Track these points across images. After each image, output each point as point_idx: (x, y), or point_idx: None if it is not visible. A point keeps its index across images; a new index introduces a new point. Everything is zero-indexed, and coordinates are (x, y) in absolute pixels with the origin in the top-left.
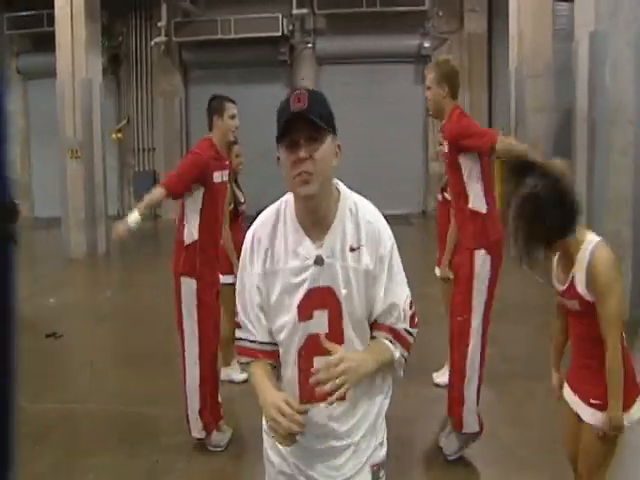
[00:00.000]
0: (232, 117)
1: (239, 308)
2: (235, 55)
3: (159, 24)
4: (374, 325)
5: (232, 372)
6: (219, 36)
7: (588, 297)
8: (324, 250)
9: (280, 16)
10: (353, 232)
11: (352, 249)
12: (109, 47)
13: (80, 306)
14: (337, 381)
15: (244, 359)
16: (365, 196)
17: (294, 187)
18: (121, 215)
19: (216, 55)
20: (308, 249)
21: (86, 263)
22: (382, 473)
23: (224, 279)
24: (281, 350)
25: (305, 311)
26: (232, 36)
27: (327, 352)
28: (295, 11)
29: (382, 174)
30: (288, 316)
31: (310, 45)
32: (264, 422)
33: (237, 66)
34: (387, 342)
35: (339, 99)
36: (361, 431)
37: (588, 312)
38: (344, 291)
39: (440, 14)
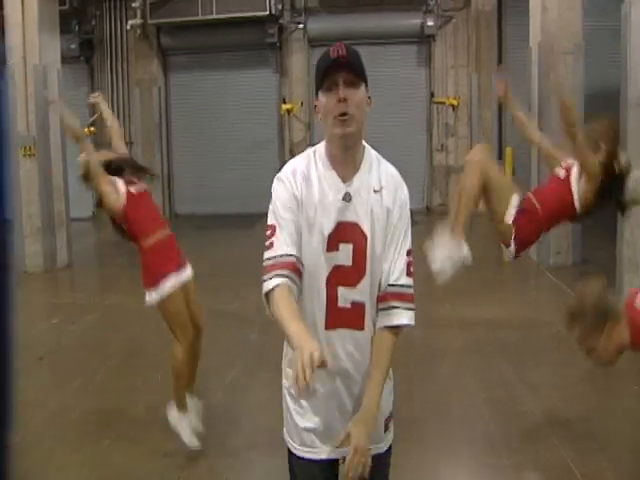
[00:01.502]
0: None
1: (275, 224)
2: (218, 38)
3: (133, 4)
4: (380, 296)
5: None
6: (199, 17)
7: None
8: (352, 188)
9: None
10: (377, 177)
11: (375, 191)
12: (81, 32)
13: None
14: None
15: (270, 276)
16: None
17: (334, 127)
18: (97, 216)
19: (197, 39)
20: (338, 186)
21: (43, 278)
22: (391, 423)
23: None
24: (307, 277)
25: (333, 243)
26: (214, 16)
27: (351, 283)
28: None
29: None
30: (318, 245)
31: (301, 25)
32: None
33: (220, 50)
34: (390, 332)
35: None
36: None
37: None
38: (368, 228)
39: None
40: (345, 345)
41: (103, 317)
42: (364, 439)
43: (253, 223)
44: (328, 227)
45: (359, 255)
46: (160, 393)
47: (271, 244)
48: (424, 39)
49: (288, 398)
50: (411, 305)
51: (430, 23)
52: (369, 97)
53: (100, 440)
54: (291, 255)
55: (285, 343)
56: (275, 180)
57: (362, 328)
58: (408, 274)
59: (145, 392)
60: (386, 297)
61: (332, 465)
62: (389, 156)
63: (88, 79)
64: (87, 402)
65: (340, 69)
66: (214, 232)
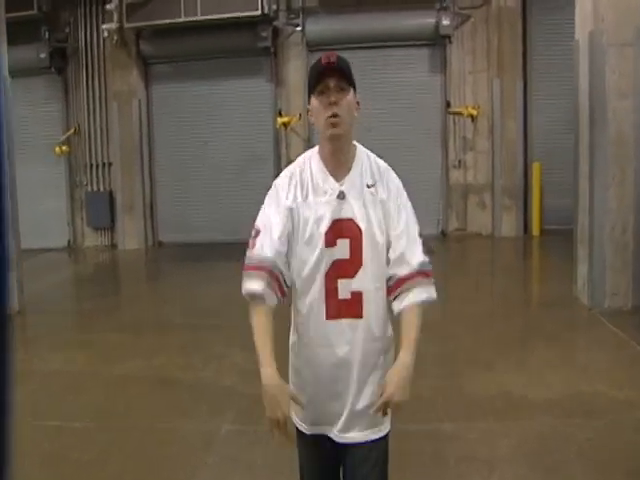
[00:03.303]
0: None
1: (260, 227)
2: (204, 43)
3: (108, 6)
4: (399, 279)
5: None
6: (182, 19)
7: None
8: (345, 187)
9: None
10: (369, 172)
11: (368, 186)
12: (52, 40)
13: None
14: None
15: (249, 275)
16: None
17: (325, 128)
18: (73, 247)
19: (181, 45)
20: (332, 185)
21: None
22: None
23: None
24: (307, 273)
25: (330, 239)
26: (198, 17)
27: (349, 274)
28: None
29: None
30: (317, 243)
31: (298, 28)
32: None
33: (207, 57)
34: (413, 312)
35: None
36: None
37: None
38: (363, 223)
39: None
40: (344, 334)
41: (38, 390)
42: (396, 392)
43: (244, 252)
44: (325, 225)
45: (356, 248)
46: None
47: (253, 244)
48: (438, 41)
49: (291, 372)
50: (431, 280)
51: (445, 22)
52: (357, 102)
53: None
54: (269, 259)
55: (293, 325)
56: (272, 186)
57: (361, 316)
58: (425, 252)
59: None
60: (413, 278)
61: (330, 441)
62: (398, 174)
63: (61, 92)
64: None
65: (331, 75)
66: (198, 264)
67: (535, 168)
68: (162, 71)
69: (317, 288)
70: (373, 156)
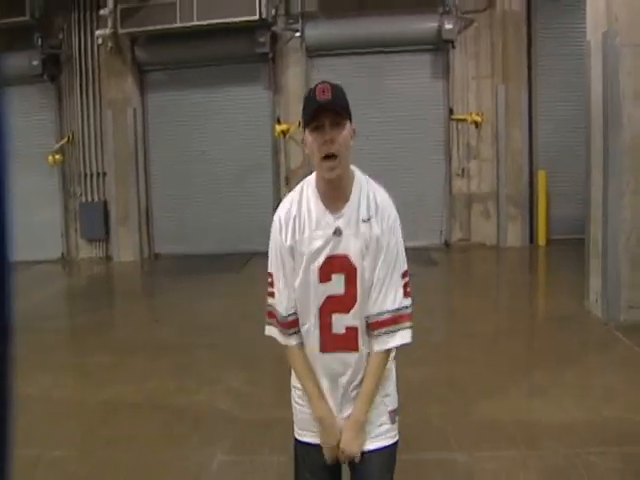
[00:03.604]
0: None
1: (274, 278)
2: (201, 50)
3: (102, 12)
4: (373, 323)
5: None
6: (178, 24)
7: None
8: (342, 222)
9: None
10: (365, 206)
11: (364, 220)
12: (45, 46)
13: None
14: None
15: (270, 323)
16: None
17: (321, 170)
18: (66, 258)
19: (177, 51)
20: (329, 221)
21: None
22: (396, 417)
23: None
24: (300, 306)
25: (325, 274)
26: (194, 23)
27: (344, 310)
28: None
29: (393, 195)
30: (311, 277)
31: (298, 33)
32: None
33: (204, 64)
34: (375, 362)
35: None
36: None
37: None
38: (358, 259)
39: None
40: (340, 365)
41: (20, 415)
42: (350, 443)
43: (243, 264)
44: (319, 261)
45: (350, 284)
46: None
47: (272, 294)
48: (441, 46)
49: (293, 393)
50: (407, 324)
51: (448, 27)
52: (353, 130)
53: None
54: (291, 314)
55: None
56: (274, 220)
57: (356, 350)
58: (405, 295)
59: None
60: (383, 323)
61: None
62: (400, 183)
63: (55, 100)
64: None
65: (326, 112)
66: (195, 278)
67: (541, 176)
68: (158, 78)
69: (312, 321)
70: (372, 184)
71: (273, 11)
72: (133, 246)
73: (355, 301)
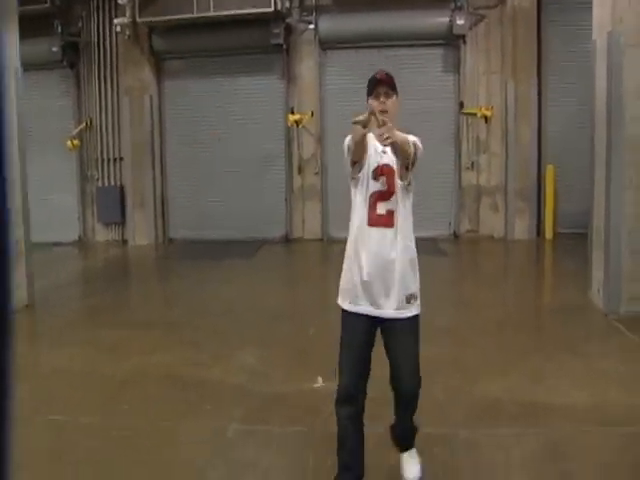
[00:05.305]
0: None
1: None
2: (216, 40)
3: (120, 1)
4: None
5: None
6: (195, 15)
7: None
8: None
9: None
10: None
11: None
12: (65, 33)
13: None
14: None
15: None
16: None
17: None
18: (83, 241)
19: (193, 41)
20: (379, 145)
21: None
22: (414, 300)
23: None
24: (360, 194)
25: (376, 175)
26: (211, 14)
27: (386, 199)
28: None
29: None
30: (369, 175)
31: (311, 25)
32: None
33: (219, 54)
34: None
35: (347, 93)
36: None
37: None
38: (395, 166)
39: None
40: (380, 237)
41: (44, 386)
42: (391, 132)
43: (255, 251)
44: (373, 166)
45: (390, 182)
46: None
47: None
48: (452, 41)
49: (344, 264)
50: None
51: (460, 22)
52: (399, 101)
53: None
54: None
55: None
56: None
57: (392, 226)
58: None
59: None
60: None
61: (370, 320)
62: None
63: (73, 86)
64: None
65: (381, 85)
66: (207, 263)
67: (549, 171)
68: (174, 67)
69: (365, 205)
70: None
71: (288, 3)
72: (148, 230)
73: (393, 193)
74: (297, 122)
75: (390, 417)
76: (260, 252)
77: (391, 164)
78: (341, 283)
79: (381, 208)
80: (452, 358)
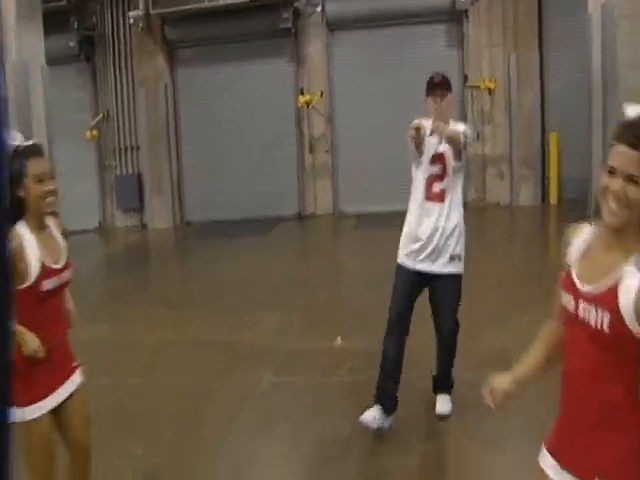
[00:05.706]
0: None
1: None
2: (227, 27)
3: None
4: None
5: None
6: (206, 4)
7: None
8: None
9: None
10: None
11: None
12: (80, 28)
13: None
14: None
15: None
16: (391, 192)
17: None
18: (103, 227)
19: (204, 29)
20: (436, 139)
21: None
22: (457, 260)
23: None
24: (420, 175)
25: (432, 162)
26: (222, 3)
27: (440, 180)
28: None
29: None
30: (428, 161)
31: (319, 8)
32: None
33: (230, 41)
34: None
35: (355, 72)
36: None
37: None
38: (448, 151)
39: None
40: (433, 209)
41: (87, 355)
42: (444, 126)
43: (269, 228)
44: (431, 154)
45: (445, 168)
46: None
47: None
48: (455, 16)
49: (405, 229)
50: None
51: None
52: (453, 99)
53: None
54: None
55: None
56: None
57: (443, 201)
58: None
59: None
60: None
61: (420, 275)
62: None
63: (90, 80)
64: None
65: (437, 87)
66: (225, 241)
67: (552, 138)
68: (187, 55)
69: (424, 183)
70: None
71: None
72: (166, 214)
73: (446, 176)
74: (307, 103)
75: None
76: (275, 229)
77: (445, 152)
78: (400, 244)
79: (436, 187)
80: (462, 312)
